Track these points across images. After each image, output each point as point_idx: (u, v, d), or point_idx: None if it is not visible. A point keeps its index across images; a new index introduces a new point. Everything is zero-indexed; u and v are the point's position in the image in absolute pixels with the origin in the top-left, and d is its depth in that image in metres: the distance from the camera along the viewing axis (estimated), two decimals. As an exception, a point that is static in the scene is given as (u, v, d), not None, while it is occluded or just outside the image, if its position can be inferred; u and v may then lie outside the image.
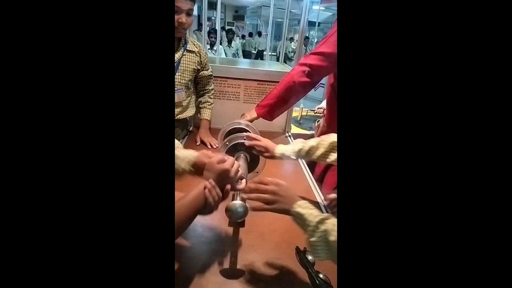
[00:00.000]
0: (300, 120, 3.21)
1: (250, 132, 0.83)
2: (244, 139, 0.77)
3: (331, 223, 0.47)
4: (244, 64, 1.69)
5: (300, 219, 0.50)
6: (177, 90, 1.10)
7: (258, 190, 0.54)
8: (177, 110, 1.15)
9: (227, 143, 0.77)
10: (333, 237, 0.46)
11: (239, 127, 0.86)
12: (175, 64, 1.07)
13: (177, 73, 1.08)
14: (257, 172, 0.80)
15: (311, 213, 0.49)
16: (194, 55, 1.11)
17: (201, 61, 1.14)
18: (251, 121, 1.00)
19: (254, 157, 0.79)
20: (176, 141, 0.63)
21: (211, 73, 1.21)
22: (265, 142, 0.75)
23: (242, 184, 0.57)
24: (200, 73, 1.17)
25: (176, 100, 1.11)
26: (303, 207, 0.50)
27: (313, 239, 0.47)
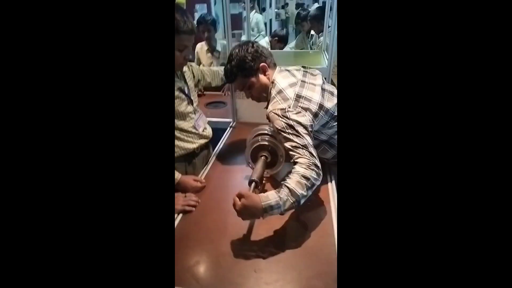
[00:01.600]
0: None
1: (273, 137, 1.03)
2: (264, 142, 0.97)
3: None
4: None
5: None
6: (199, 116, 1.11)
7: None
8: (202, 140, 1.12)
9: (251, 145, 0.99)
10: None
11: (264, 133, 1.07)
12: (187, 93, 1.06)
13: (193, 100, 1.09)
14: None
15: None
16: (188, 73, 1.13)
17: (193, 72, 1.16)
18: None
19: (274, 155, 0.99)
20: None
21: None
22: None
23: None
24: (200, 76, 1.19)
25: (202, 126, 1.13)
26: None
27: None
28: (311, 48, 2.37)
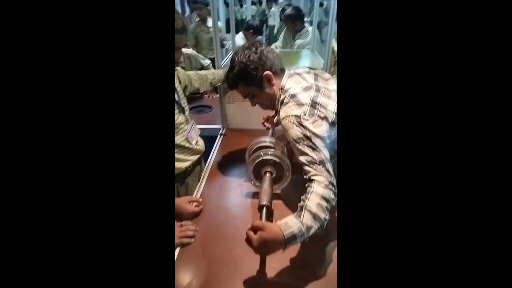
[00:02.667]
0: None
1: (275, 149, 0.92)
2: (268, 157, 0.86)
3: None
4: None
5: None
6: (192, 127, 1.00)
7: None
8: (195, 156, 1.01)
9: (252, 161, 0.87)
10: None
11: (264, 145, 0.96)
12: (177, 100, 0.95)
13: (184, 108, 0.99)
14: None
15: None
16: (175, 78, 1.00)
17: (179, 78, 1.03)
18: None
19: (279, 169, 0.89)
20: None
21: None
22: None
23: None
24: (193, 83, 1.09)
25: (195, 139, 1.01)
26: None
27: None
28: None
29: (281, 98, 0.81)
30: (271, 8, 4.81)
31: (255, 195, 0.96)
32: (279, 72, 0.85)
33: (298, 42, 1.99)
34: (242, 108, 1.39)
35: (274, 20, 4.63)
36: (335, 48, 1.78)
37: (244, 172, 1.05)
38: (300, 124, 0.72)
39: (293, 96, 0.78)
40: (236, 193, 0.99)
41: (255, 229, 0.61)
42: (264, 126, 1.17)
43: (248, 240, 0.61)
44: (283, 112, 0.77)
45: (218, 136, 1.38)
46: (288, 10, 2.07)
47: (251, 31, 2.24)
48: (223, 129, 1.43)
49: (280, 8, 4.66)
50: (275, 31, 4.52)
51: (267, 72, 0.82)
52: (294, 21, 2.06)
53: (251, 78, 0.82)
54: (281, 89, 0.83)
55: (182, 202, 0.85)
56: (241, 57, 0.81)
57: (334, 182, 0.69)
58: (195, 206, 0.88)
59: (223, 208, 0.92)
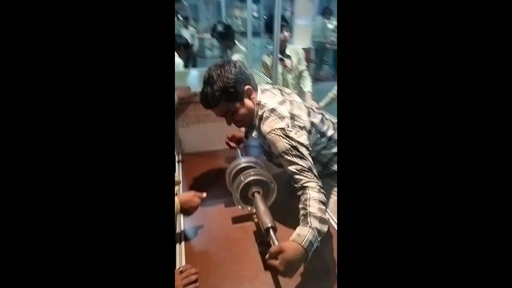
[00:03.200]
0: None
1: (257, 168, 0.92)
2: (250, 178, 0.86)
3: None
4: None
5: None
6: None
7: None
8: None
9: (237, 187, 0.85)
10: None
11: (243, 167, 0.95)
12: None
13: None
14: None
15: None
16: None
17: None
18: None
19: (264, 186, 0.89)
20: None
21: None
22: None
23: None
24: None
25: None
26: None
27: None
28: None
29: (260, 113, 0.83)
30: (187, 27, 4.78)
31: (242, 218, 0.93)
32: (255, 88, 0.87)
33: (234, 57, 2.05)
34: (197, 131, 1.33)
35: (192, 39, 4.62)
36: (268, 62, 1.91)
37: (219, 197, 1.01)
38: (286, 136, 0.76)
39: (273, 110, 0.80)
40: (222, 221, 0.94)
41: (274, 256, 0.60)
42: (229, 146, 1.15)
43: (272, 268, 0.60)
44: (267, 127, 0.79)
45: (177, 164, 1.27)
46: (218, 27, 2.11)
47: (182, 47, 2.19)
48: (178, 155, 1.33)
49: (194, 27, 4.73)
50: (194, 49, 4.52)
51: (248, 86, 0.82)
52: (223, 38, 2.10)
53: (234, 93, 0.80)
54: (258, 104, 0.85)
55: (188, 201, 0.81)
56: (222, 72, 0.79)
57: (321, 185, 0.74)
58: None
59: (215, 241, 0.86)
